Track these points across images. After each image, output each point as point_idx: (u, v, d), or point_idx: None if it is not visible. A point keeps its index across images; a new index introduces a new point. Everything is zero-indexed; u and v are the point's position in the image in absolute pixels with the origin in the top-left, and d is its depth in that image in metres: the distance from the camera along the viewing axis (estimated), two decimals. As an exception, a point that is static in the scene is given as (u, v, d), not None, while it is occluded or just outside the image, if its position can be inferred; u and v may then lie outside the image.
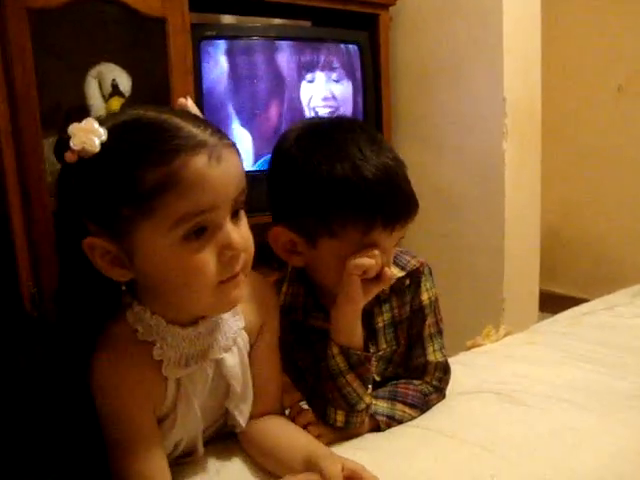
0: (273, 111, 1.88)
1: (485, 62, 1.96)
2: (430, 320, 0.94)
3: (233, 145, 0.68)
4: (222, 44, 1.75)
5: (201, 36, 1.66)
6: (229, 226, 0.66)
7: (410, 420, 0.90)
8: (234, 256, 0.67)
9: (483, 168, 2.01)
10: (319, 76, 1.94)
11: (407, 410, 0.90)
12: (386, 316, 0.92)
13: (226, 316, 0.76)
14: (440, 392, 0.95)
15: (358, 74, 2.00)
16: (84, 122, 0.64)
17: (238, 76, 1.79)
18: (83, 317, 0.71)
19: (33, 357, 0.83)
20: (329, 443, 0.82)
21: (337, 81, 1.97)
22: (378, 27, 2.04)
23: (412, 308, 0.93)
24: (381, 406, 0.89)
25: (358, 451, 0.81)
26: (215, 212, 0.64)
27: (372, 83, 2.03)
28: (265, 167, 0.92)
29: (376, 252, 0.80)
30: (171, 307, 0.71)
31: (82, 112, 1.53)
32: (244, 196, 0.69)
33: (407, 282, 0.92)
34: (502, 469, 0.78)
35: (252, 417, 0.81)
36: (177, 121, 0.64)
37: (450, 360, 0.98)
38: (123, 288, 0.71)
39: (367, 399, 0.85)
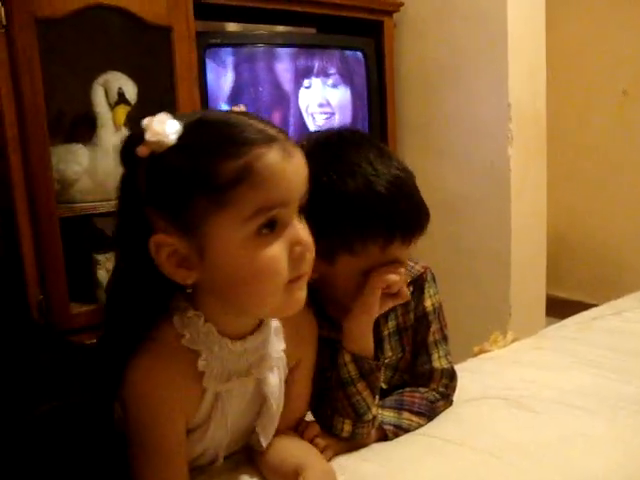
0: (279, 118, 1.88)
1: (490, 67, 1.96)
2: (434, 327, 0.94)
3: (296, 144, 0.68)
4: (227, 52, 1.76)
5: (206, 44, 1.67)
6: (297, 223, 0.66)
7: (417, 428, 0.89)
8: (302, 253, 0.66)
9: (489, 173, 2.01)
10: (325, 82, 1.95)
11: (414, 418, 0.89)
12: (391, 324, 0.92)
13: (272, 335, 0.75)
14: (447, 399, 0.95)
15: (363, 80, 2.00)
16: (158, 116, 0.63)
17: (244, 83, 1.80)
18: (130, 318, 0.69)
19: (39, 364, 0.83)
20: (336, 454, 0.82)
21: (337, 86, 1.97)
22: (382, 34, 2.05)
23: (416, 315, 0.93)
24: (388, 415, 0.88)
25: (365, 462, 0.80)
26: (286, 208, 0.64)
27: (377, 89, 2.04)
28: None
29: (402, 269, 0.82)
30: (230, 312, 0.70)
31: (88, 120, 1.54)
32: (307, 197, 0.68)
33: (411, 289, 0.91)
34: (510, 476, 0.77)
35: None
36: (244, 119, 0.65)
37: (457, 367, 0.97)
38: (189, 291, 0.69)
39: (374, 410, 0.85)
